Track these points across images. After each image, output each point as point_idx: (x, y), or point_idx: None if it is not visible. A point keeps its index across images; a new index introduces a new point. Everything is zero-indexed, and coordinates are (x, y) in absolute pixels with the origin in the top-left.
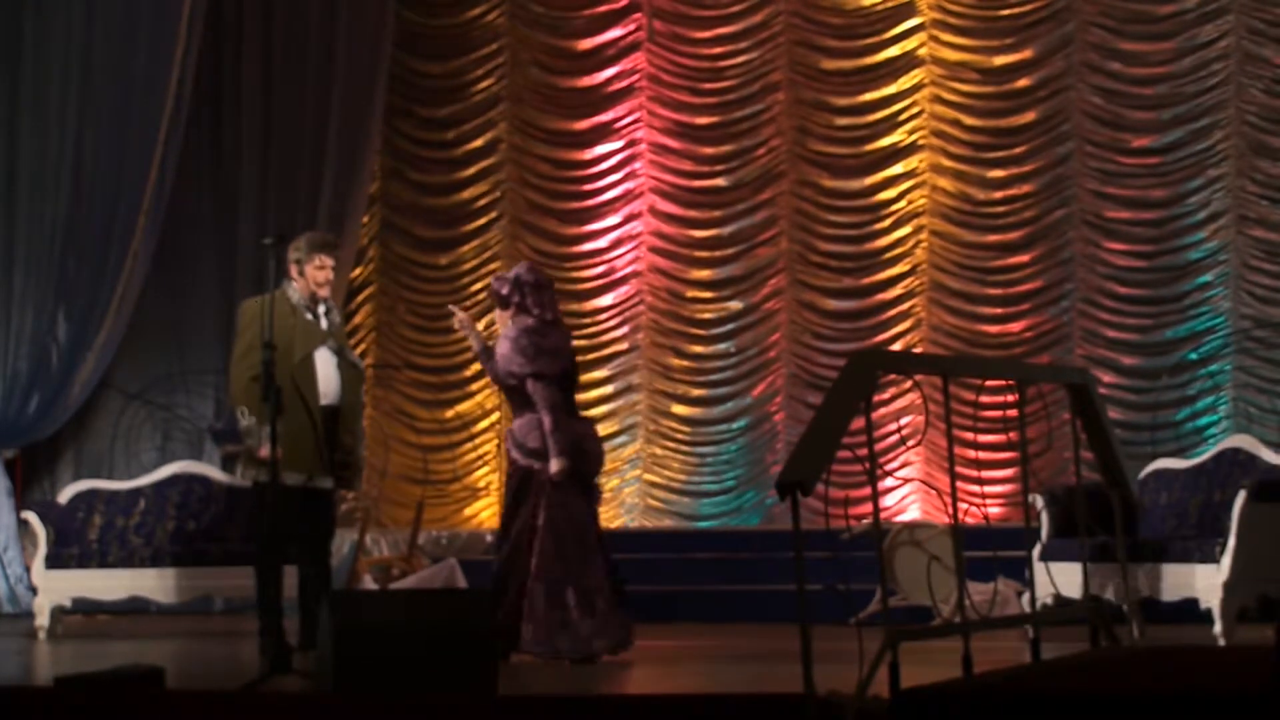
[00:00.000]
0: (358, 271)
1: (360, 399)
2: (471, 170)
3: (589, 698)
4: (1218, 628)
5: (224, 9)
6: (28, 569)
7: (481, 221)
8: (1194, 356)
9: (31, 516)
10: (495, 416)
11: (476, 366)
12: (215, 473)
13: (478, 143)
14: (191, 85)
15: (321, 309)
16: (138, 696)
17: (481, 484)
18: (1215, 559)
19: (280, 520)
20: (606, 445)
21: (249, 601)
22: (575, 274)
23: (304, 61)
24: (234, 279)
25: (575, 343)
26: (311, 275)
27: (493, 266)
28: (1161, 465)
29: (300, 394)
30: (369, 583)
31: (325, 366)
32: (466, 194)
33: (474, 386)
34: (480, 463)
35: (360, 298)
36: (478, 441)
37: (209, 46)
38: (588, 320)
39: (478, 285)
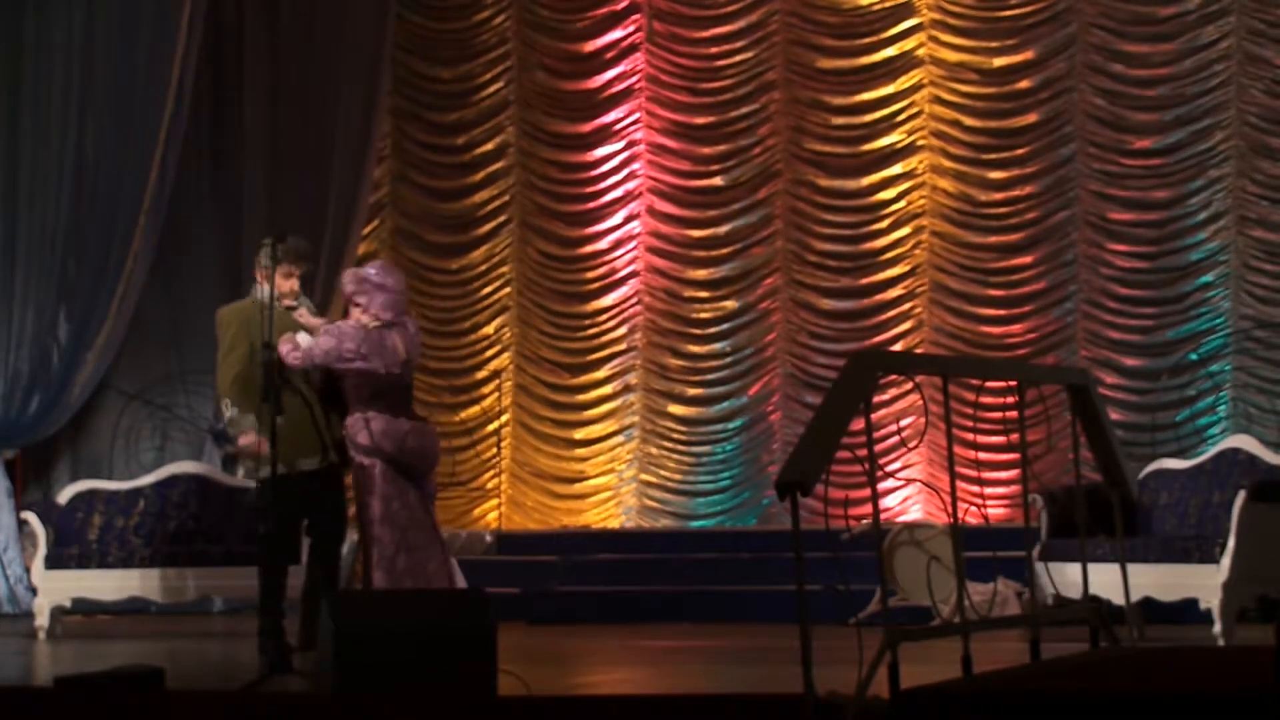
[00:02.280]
0: None
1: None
2: (480, 175)
3: (588, 698)
4: (1217, 628)
5: (224, 10)
6: (27, 569)
7: (491, 226)
8: (1194, 357)
9: (31, 517)
10: (506, 419)
11: (485, 371)
12: (215, 473)
13: (487, 147)
14: (193, 87)
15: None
16: (137, 697)
17: (489, 485)
18: (1215, 559)
19: (292, 515)
20: (603, 445)
21: (249, 602)
22: (578, 276)
23: (306, 63)
24: (236, 280)
25: (574, 344)
26: (278, 284)
27: (502, 270)
28: (1162, 465)
29: (290, 381)
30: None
31: None
32: (476, 198)
33: (484, 390)
34: (487, 466)
35: None
36: (487, 445)
37: (211, 48)
38: (588, 321)
39: (488, 289)
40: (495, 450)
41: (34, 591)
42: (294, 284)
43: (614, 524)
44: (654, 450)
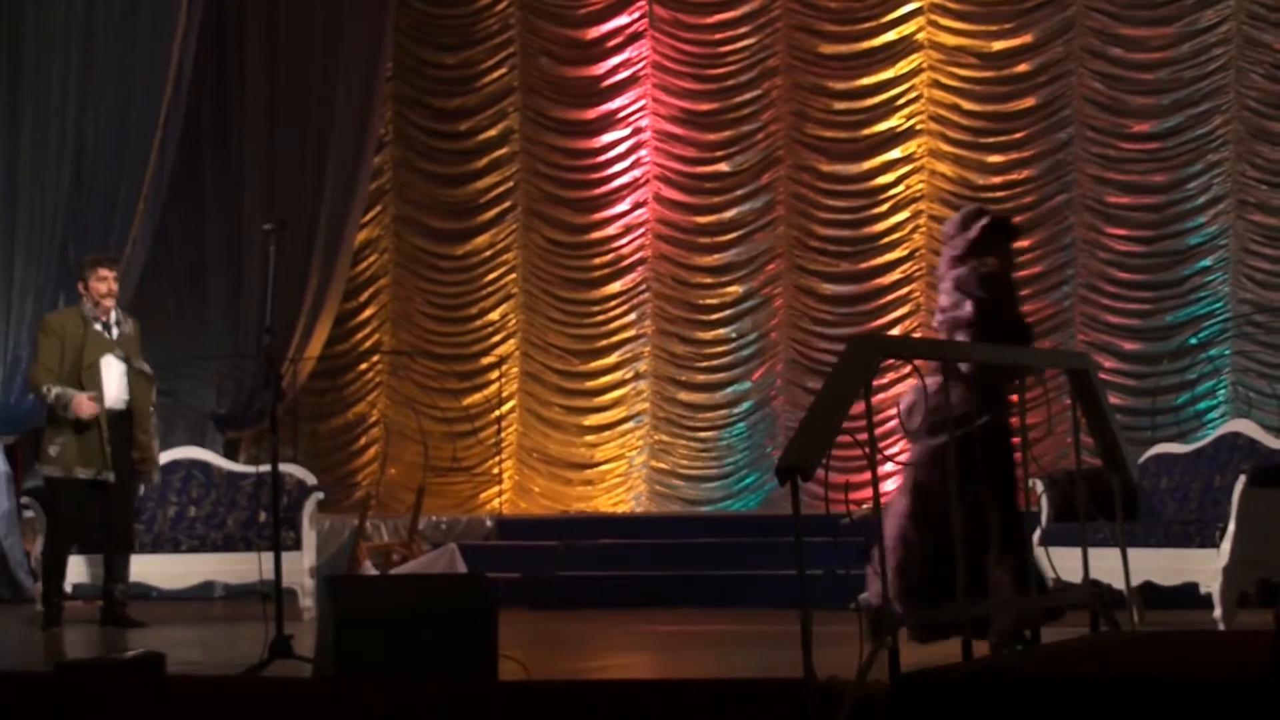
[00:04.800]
0: (373, 260)
1: (150, 401)
2: (484, 161)
3: (588, 683)
4: (1217, 612)
5: None
6: (28, 555)
7: (495, 212)
8: (1194, 341)
9: (31, 503)
10: (511, 404)
11: (491, 357)
12: (217, 459)
13: (490, 133)
14: (192, 72)
15: (113, 318)
16: (138, 682)
17: (494, 470)
18: (1215, 544)
19: (73, 511)
20: (614, 432)
21: (249, 587)
22: (585, 262)
23: (307, 46)
24: (239, 265)
25: (583, 330)
26: (94, 288)
27: (506, 257)
28: (1162, 450)
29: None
30: (369, 568)
31: (111, 373)
32: (480, 184)
33: (489, 376)
34: (491, 450)
35: (374, 288)
36: (491, 430)
37: (211, 33)
38: (596, 308)
39: (492, 275)
40: (497, 435)
41: (34, 577)
42: (109, 285)
43: (624, 509)
44: (664, 436)
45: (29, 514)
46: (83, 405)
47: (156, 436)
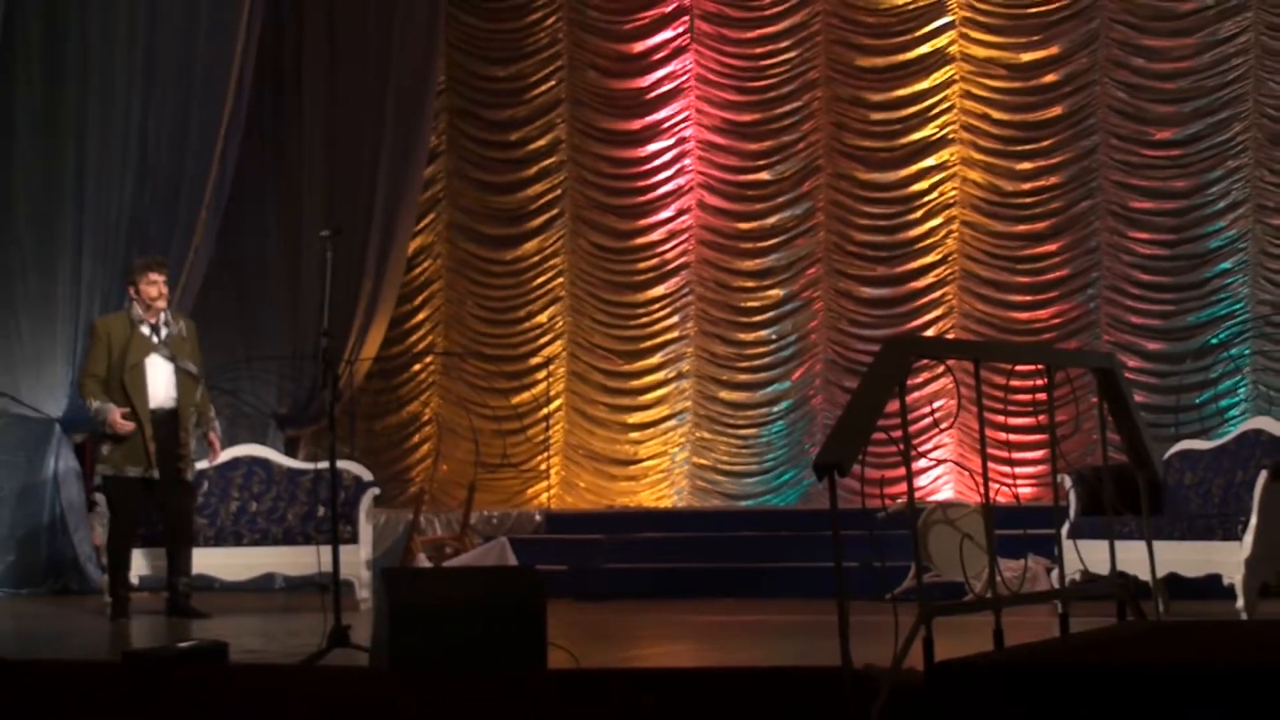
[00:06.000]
0: (426, 265)
1: (193, 401)
2: (533, 170)
3: (635, 671)
4: (1240, 603)
5: (283, 10)
6: (96, 548)
7: (543, 219)
8: (1215, 341)
9: (100, 498)
10: (558, 403)
11: (539, 358)
12: (277, 456)
13: (539, 143)
14: (252, 84)
15: (162, 319)
16: (202, 671)
17: (542, 467)
18: (1238, 536)
19: (127, 506)
20: (657, 429)
21: (308, 578)
22: (631, 266)
23: (362, 59)
24: (298, 270)
25: (627, 332)
26: (144, 291)
27: (554, 262)
28: (1186, 446)
29: (130, 399)
30: (423, 561)
31: (158, 373)
32: (529, 192)
33: (537, 376)
34: (539, 447)
35: (427, 292)
36: (539, 428)
37: (270, 46)
38: (640, 311)
39: (540, 279)
40: (545, 433)
41: (103, 569)
42: (159, 288)
43: (666, 504)
44: (705, 434)
45: (98, 509)
46: (117, 424)
47: (195, 436)
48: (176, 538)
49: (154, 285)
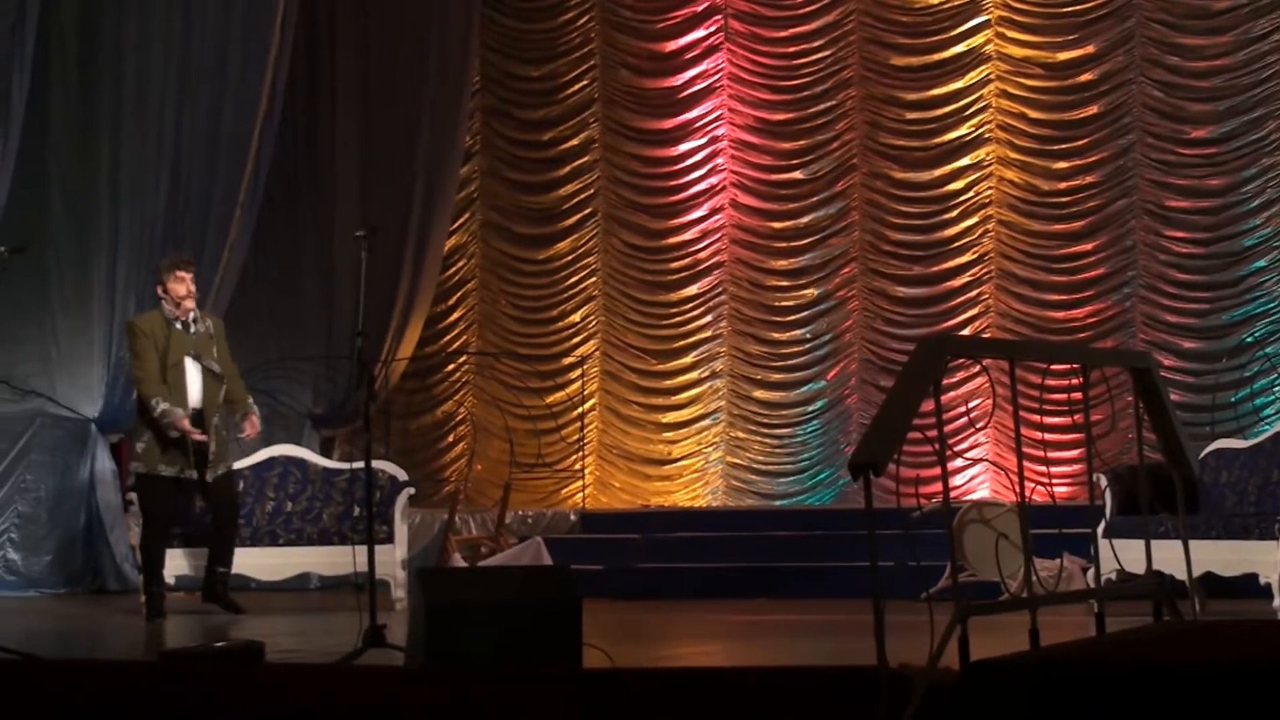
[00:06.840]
0: (461, 265)
1: (217, 401)
2: (566, 169)
3: (671, 670)
4: (1277, 601)
5: (317, 11)
6: (133, 548)
7: (577, 218)
8: (1250, 339)
9: (134, 496)
10: (592, 403)
11: (573, 358)
12: (313, 456)
13: (573, 143)
14: (286, 85)
15: (191, 318)
16: (238, 670)
17: (577, 466)
18: (1274, 535)
19: (160, 505)
20: (691, 429)
21: (344, 578)
22: (664, 266)
23: (397, 59)
24: (332, 270)
25: (661, 331)
26: (173, 290)
27: (588, 261)
28: (1221, 445)
29: (171, 397)
30: (458, 560)
31: (191, 373)
32: (562, 191)
33: (571, 375)
34: (572, 449)
35: (462, 292)
36: (573, 428)
37: (304, 48)
38: (674, 310)
39: (574, 278)
40: (579, 433)
41: (139, 569)
42: (187, 286)
43: (701, 503)
44: (740, 433)
45: (134, 508)
46: (186, 429)
47: (230, 430)
48: (222, 529)
49: (182, 283)
